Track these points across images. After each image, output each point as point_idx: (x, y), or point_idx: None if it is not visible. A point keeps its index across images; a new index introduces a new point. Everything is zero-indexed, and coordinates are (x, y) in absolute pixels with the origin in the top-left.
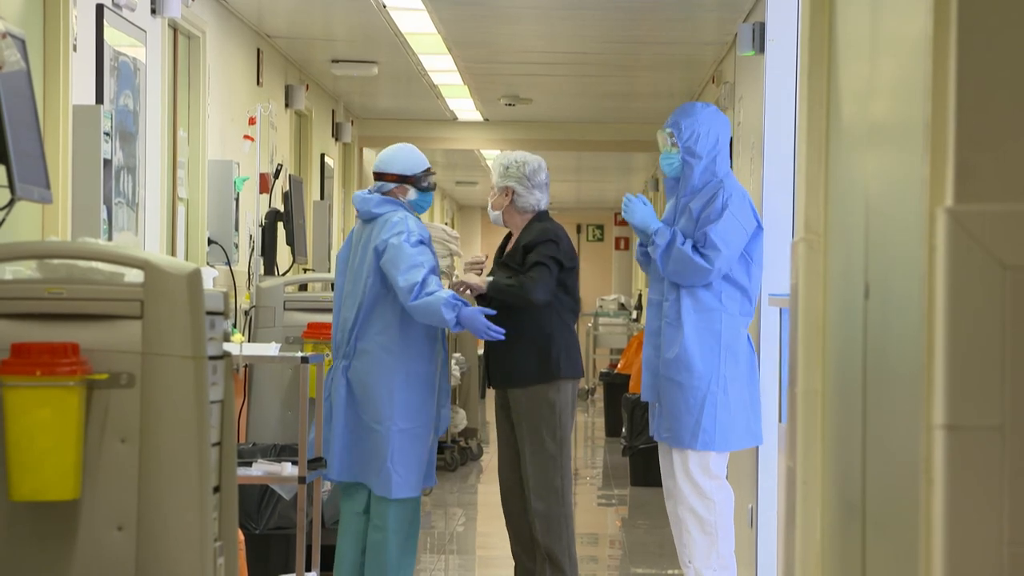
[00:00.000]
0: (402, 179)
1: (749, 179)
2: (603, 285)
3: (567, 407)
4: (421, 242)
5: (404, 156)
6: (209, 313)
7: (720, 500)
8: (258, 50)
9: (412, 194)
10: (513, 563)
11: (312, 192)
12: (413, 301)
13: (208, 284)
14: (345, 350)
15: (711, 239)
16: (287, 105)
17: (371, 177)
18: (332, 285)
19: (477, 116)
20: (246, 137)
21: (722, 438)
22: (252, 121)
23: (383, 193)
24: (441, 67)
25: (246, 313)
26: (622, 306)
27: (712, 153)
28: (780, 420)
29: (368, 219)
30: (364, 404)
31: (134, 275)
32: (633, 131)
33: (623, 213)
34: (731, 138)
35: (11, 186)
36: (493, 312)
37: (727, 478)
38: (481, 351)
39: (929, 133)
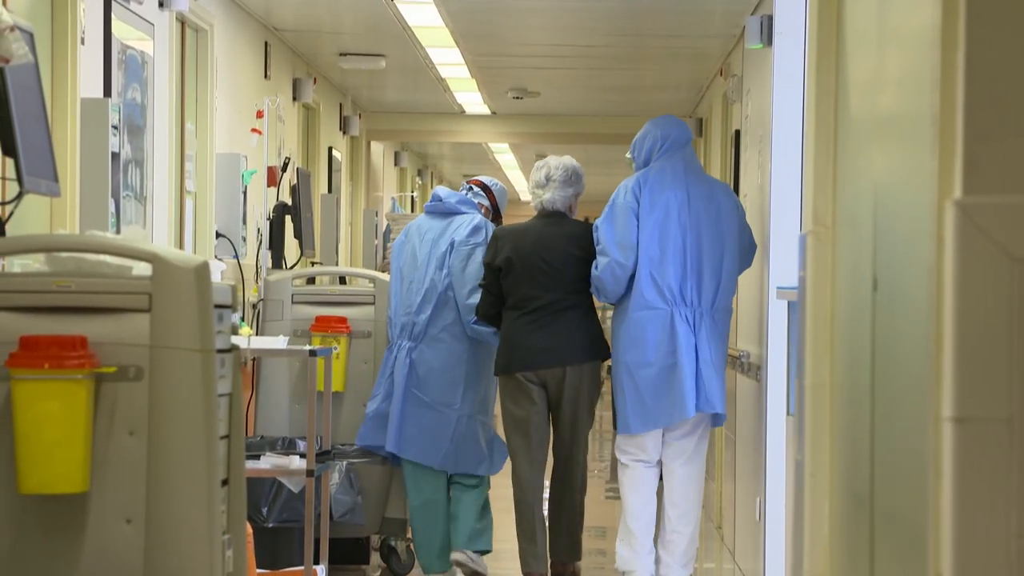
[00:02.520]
0: (496, 212)
1: (757, 172)
2: None
3: (501, 398)
4: None
5: (505, 199)
6: (217, 306)
7: (622, 480)
8: (266, 43)
9: (488, 218)
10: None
11: (320, 185)
12: (474, 324)
13: (216, 277)
14: (413, 332)
15: (598, 234)
16: (295, 98)
17: (378, 170)
18: (341, 279)
19: (484, 109)
20: (254, 130)
21: (622, 422)
22: (260, 114)
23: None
24: (449, 60)
25: (254, 306)
26: None
27: (636, 154)
28: (788, 412)
29: (446, 212)
30: (431, 387)
31: (142, 268)
32: (641, 125)
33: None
34: (661, 136)
35: (19, 179)
36: None
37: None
38: None
39: (937, 125)
